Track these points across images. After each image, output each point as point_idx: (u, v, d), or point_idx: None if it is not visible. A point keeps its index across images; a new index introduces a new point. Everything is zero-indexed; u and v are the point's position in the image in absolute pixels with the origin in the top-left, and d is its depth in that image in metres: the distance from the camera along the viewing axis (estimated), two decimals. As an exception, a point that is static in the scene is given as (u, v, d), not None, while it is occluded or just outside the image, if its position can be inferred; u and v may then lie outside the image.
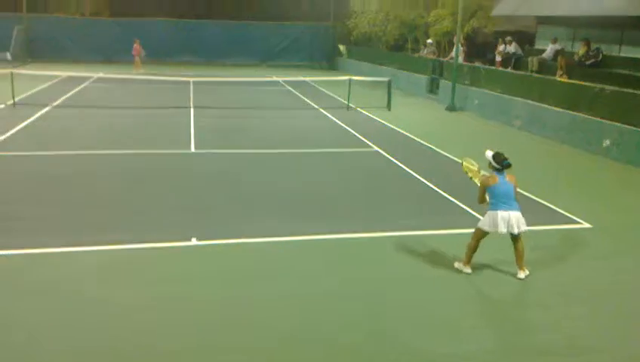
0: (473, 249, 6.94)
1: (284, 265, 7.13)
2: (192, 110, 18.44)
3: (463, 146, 14.49)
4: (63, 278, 6.56)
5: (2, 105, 17.89)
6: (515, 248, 6.87)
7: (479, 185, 6.97)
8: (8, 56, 29.34)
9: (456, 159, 12.93)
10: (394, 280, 6.82)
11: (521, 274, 6.89)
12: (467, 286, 6.74)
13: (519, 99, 17.68)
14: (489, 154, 6.80)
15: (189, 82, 23.17)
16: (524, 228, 6.73)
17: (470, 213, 9.19)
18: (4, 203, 9.09)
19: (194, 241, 7.72)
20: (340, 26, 37.69)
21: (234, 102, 20.68)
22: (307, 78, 26.40)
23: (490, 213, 6.71)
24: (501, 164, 6.69)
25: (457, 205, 9.67)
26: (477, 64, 22.29)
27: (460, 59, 21.95)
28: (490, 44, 25.07)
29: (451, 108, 20.87)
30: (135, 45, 30.93)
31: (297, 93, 23.99)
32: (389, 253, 7.61)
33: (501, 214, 6.59)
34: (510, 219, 6.60)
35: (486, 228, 6.73)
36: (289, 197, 9.90)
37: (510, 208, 6.61)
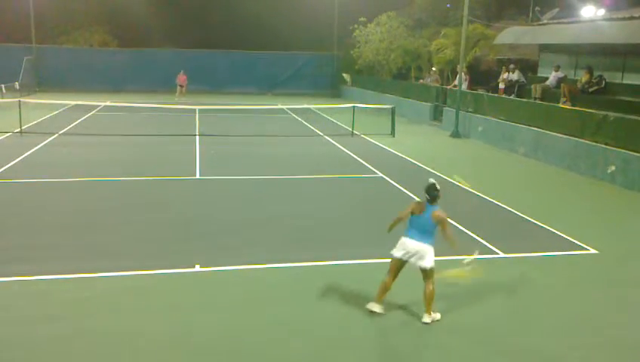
0: (383, 284, 6.45)
1: (287, 292, 7.06)
2: (197, 138, 18.55)
3: (468, 172, 14.48)
4: (64, 306, 6.51)
5: (9, 134, 18.07)
6: (425, 288, 6.34)
7: (404, 213, 6.50)
8: (17, 85, 29.75)
9: (461, 186, 12.91)
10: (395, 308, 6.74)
11: (427, 319, 6.31)
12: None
13: (523, 126, 17.72)
14: (430, 181, 6.47)
15: (194, 110, 23.37)
16: (422, 263, 6.24)
17: (477, 240, 9.12)
18: (6, 231, 9.10)
19: (197, 268, 7.68)
20: (344, 54, 38.15)
21: (239, 129, 20.81)
22: (312, 106, 26.60)
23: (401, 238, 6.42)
24: (427, 195, 6.35)
25: (462, 231, 9.61)
26: (480, 91, 22.44)
27: (464, 87, 22.10)
28: (493, 71, 25.32)
29: (455, 135, 20.93)
30: (180, 75, 32.22)
31: (302, 121, 24.14)
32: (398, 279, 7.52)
33: (405, 239, 6.32)
34: (410, 248, 6.25)
35: (391, 252, 6.44)
36: (293, 224, 9.87)
37: (419, 239, 6.25)
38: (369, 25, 33.68)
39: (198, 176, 13.32)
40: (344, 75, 38.36)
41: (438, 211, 6.29)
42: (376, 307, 6.42)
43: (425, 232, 6.27)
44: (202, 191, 12.11)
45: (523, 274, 7.89)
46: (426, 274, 6.30)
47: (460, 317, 6.55)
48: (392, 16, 32.93)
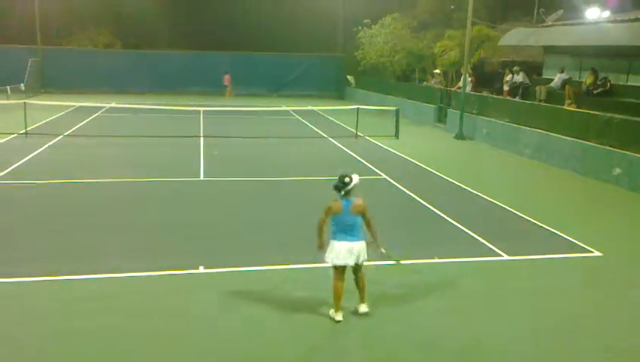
0: (337, 291, 6.22)
1: (289, 294, 7.06)
2: (201, 139, 18.59)
3: (472, 174, 14.47)
4: (68, 306, 6.54)
5: (14, 135, 18.14)
6: (358, 279, 6.30)
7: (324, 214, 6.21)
8: (22, 87, 29.88)
9: (465, 187, 12.90)
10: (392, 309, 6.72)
11: (364, 308, 6.34)
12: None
13: (527, 128, 17.68)
14: (340, 174, 6.17)
15: (199, 112, 23.42)
16: (364, 258, 6.16)
17: (478, 241, 9.11)
18: (9, 230, 9.14)
19: (201, 269, 7.69)
20: (348, 56, 38.15)
21: (244, 131, 20.83)
22: (316, 108, 26.61)
23: (332, 243, 6.15)
24: (337, 190, 6.08)
25: (466, 232, 9.59)
26: (485, 93, 22.40)
27: (468, 89, 22.07)
28: (497, 73, 25.23)
29: (460, 136, 20.91)
30: (227, 76, 35.33)
31: (306, 123, 24.15)
32: (395, 282, 7.52)
33: (342, 244, 6.06)
34: (355, 250, 6.07)
35: (333, 262, 6.12)
36: (297, 225, 9.85)
37: (353, 238, 6.06)
38: (373, 26, 33.68)
39: (202, 178, 13.35)
40: (348, 76, 38.37)
41: (355, 201, 6.08)
42: (339, 315, 6.25)
43: (354, 228, 6.07)
44: (206, 192, 12.12)
45: (525, 277, 7.87)
46: (360, 267, 6.24)
47: (464, 319, 6.53)
48: (396, 17, 32.91)
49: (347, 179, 6.01)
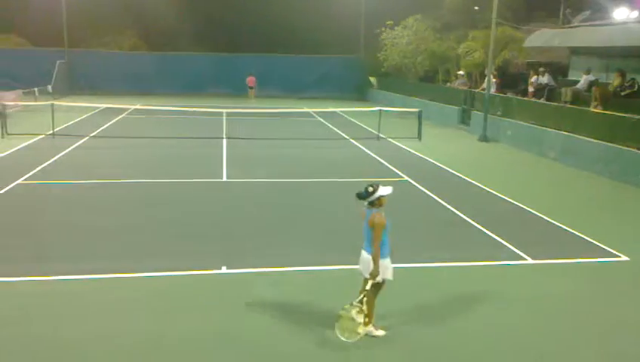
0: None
1: (311, 295, 7.07)
2: (224, 140, 18.73)
3: (496, 177, 14.32)
4: (90, 307, 6.64)
5: (42, 136, 18.50)
6: (361, 293, 5.95)
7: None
8: (49, 88, 30.47)
9: (489, 190, 12.78)
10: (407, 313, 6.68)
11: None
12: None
13: (553, 130, 17.42)
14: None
15: (222, 113, 23.61)
16: (366, 274, 5.88)
17: (503, 244, 9.01)
18: (36, 231, 9.32)
19: (224, 269, 7.75)
20: (370, 57, 38.08)
21: (265, 132, 20.94)
22: (337, 109, 26.63)
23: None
24: (359, 195, 5.90)
25: (490, 236, 9.49)
26: (509, 95, 22.15)
27: (492, 90, 21.85)
28: (522, 75, 24.95)
29: (483, 138, 20.70)
30: (252, 78, 35.54)
31: (328, 124, 24.17)
32: (420, 285, 7.47)
33: (362, 254, 5.97)
34: (361, 260, 5.98)
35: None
36: (319, 227, 9.89)
37: (367, 249, 5.92)
38: (396, 28, 33.57)
39: (224, 179, 13.44)
40: (370, 78, 38.30)
41: (372, 215, 5.81)
42: (379, 331, 6.06)
43: (367, 240, 5.90)
44: (229, 193, 12.21)
45: (554, 281, 7.76)
46: (366, 282, 5.87)
47: (487, 320, 6.46)
48: (419, 19, 32.77)
49: (370, 189, 5.84)
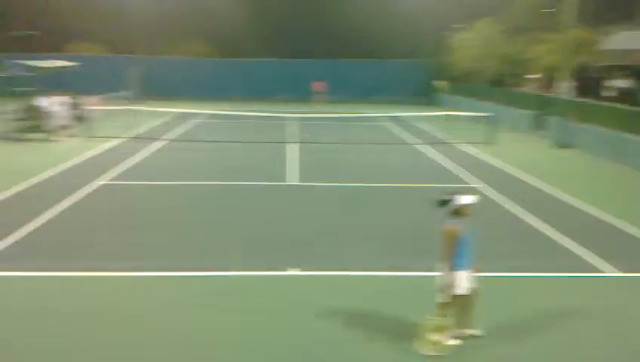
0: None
1: (376, 301, 7.05)
2: (293, 145, 19.01)
3: (573, 184, 13.76)
4: (166, 303, 6.91)
5: (122, 140, 19.45)
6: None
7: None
8: (130, 94, 31.98)
9: (565, 198, 12.30)
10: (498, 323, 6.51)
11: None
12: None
13: (636, 136, 16.56)
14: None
15: (289, 118, 23.98)
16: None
17: (583, 256, 8.65)
18: (117, 229, 9.80)
19: (289, 272, 7.88)
20: (438, 62, 37.58)
21: (333, 137, 21.07)
22: (404, 114, 26.42)
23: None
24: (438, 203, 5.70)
25: (567, 247, 9.13)
26: (586, 99, 21.25)
27: (569, 95, 21.03)
28: (600, 78, 23.87)
29: (559, 145, 19.96)
30: (320, 83, 36.89)
31: (395, 129, 24.03)
32: (496, 297, 7.30)
33: None
34: None
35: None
36: (385, 234, 9.84)
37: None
38: (465, 31, 32.96)
39: (292, 182, 13.64)
40: (438, 82, 37.78)
41: (445, 225, 5.62)
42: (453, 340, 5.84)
43: (456, 254, 5.64)
44: (295, 197, 12.38)
45: (637, 296, 7.38)
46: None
47: (570, 335, 6.22)
48: (489, 22, 32.04)
49: (447, 197, 5.65)
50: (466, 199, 5.63)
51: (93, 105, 23.88)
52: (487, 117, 21.00)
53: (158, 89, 36.92)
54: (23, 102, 19.90)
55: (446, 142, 19.84)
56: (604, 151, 17.93)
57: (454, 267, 5.57)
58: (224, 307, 6.78)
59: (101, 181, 13.13)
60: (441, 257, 5.56)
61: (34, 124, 19.74)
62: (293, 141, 19.76)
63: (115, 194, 12.29)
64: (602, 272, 8.10)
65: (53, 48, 36.53)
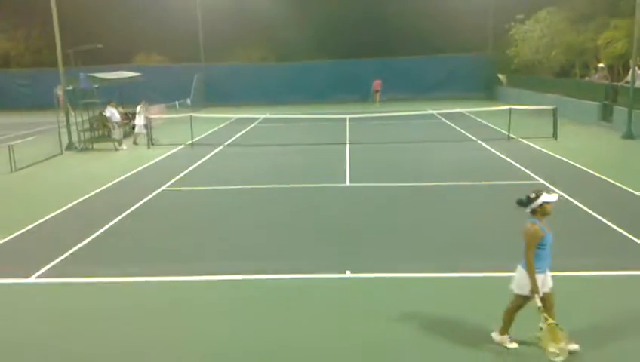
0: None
1: (445, 305, 6.87)
2: (347, 146, 18.94)
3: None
4: (227, 304, 7.00)
5: (182, 146, 20.01)
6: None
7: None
8: (189, 101, 32.91)
9: (637, 193, 11.59)
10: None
11: (495, 335, 5.83)
12: None
13: None
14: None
15: (345, 119, 23.91)
16: (513, 287, 5.61)
17: (657, 254, 8.12)
18: (177, 233, 10.05)
19: (348, 274, 7.80)
20: (499, 54, 36.47)
21: (389, 136, 20.84)
22: (464, 110, 25.76)
23: None
24: (520, 202, 5.46)
25: (638, 244, 8.60)
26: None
27: (638, 83, 19.85)
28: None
29: (629, 136, 18.87)
30: (378, 81, 37.16)
31: (454, 126, 23.48)
32: (567, 295, 6.94)
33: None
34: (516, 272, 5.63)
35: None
36: (445, 232, 9.60)
37: (520, 262, 5.57)
38: (527, 22, 31.81)
39: (348, 183, 13.57)
40: (499, 75, 36.66)
41: (525, 225, 5.39)
42: (512, 344, 5.73)
43: (523, 251, 5.44)
44: (353, 197, 12.30)
45: None
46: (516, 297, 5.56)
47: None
48: (552, 11, 30.76)
49: (532, 195, 5.39)
50: (547, 197, 5.34)
51: (156, 113, 24.71)
52: (552, 110, 20.12)
53: (217, 95, 37.76)
54: (92, 112, 20.86)
55: (510, 138, 19.17)
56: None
57: (536, 269, 5.35)
58: (274, 311, 6.81)
59: (161, 187, 13.52)
60: (526, 257, 5.33)
61: (103, 134, 20.66)
62: (350, 142, 19.67)
63: (174, 199, 12.66)
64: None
65: (124, 59, 38.21)
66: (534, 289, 5.33)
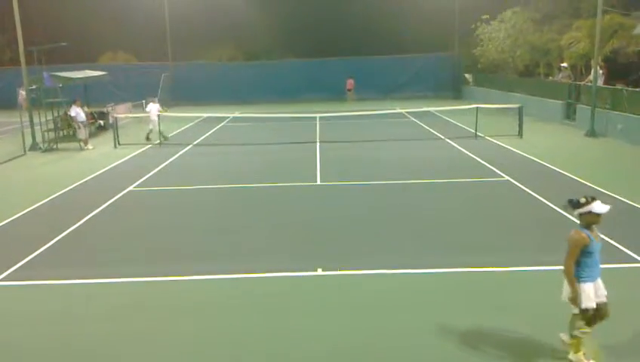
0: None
1: (409, 299, 6.94)
2: (317, 144, 18.95)
3: (607, 175, 13.35)
4: (190, 306, 6.94)
5: (150, 145, 19.72)
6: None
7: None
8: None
9: (600, 189, 11.92)
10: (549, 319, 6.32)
11: (564, 336, 5.51)
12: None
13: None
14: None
15: (316, 118, 23.93)
16: (563, 296, 5.33)
17: (617, 247, 8.36)
18: (144, 234, 9.90)
19: (319, 272, 7.81)
20: (464, 54, 37.01)
21: (358, 135, 20.93)
22: (432, 108, 26.06)
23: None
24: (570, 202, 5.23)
25: (603, 239, 8.81)
26: (619, 86, 20.59)
27: (600, 82, 20.42)
28: (633, 64, 23.11)
29: (591, 134, 19.39)
30: (350, 81, 37.30)
31: (422, 124, 23.74)
32: (531, 291, 7.09)
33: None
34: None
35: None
36: (413, 229, 9.70)
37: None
38: (492, 22, 32.38)
39: (318, 183, 13.58)
40: (466, 75, 37.22)
41: (572, 232, 5.16)
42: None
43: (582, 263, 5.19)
44: (323, 196, 12.31)
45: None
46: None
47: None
48: (517, 11, 31.38)
49: (583, 200, 5.13)
50: (597, 207, 5.08)
51: (121, 113, 24.29)
52: (518, 108, 20.52)
53: (185, 94, 37.31)
54: (56, 112, 20.36)
55: (477, 136, 19.48)
56: (638, 138, 17.34)
57: (579, 278, 5.14)
58: (261, 309, 6.78)
59: (128, 188, 13.28)
60: (566, 264, 5.11)
61: (68, 134, 20.20)
62: (320, 141, 19.69)
63: (141, 199, 12.47)
64: (634, 262, 7.82)
65: (90, 58, 37.44)
66: (574, 297, 5.11)
